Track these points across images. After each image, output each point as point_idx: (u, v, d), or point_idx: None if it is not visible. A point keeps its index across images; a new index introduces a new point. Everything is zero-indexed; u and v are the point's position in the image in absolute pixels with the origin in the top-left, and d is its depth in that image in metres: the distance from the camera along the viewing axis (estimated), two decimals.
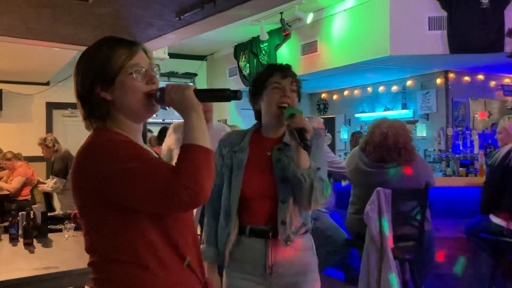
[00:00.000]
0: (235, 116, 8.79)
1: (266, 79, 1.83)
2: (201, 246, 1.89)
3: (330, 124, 8.36)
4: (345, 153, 7.59)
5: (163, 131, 5.02)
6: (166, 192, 1.11)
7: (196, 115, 1.21)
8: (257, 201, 1.79)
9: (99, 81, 1.24)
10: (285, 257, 1.77)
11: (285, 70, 1.84)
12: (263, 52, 7.51)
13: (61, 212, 3.62)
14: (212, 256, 1.91)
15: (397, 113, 7.59)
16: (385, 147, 3.16)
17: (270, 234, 1.76)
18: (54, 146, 5.32)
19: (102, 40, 1.29)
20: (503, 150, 3.37)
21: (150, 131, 6.79)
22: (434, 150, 6.12)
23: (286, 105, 1.77)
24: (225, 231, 1.84)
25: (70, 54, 6.22)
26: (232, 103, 8.81)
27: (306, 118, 1.69)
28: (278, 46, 7.27)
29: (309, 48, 6.83)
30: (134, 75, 1.24)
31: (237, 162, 1.83)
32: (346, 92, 8.58)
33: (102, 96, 1.24)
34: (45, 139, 5.34)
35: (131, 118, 1.28)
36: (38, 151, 5.58)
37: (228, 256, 1.83)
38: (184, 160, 1.14)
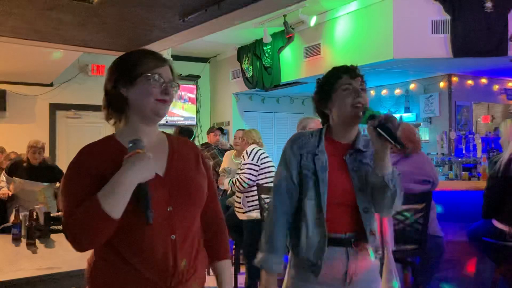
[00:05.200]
0: (238, 118, 8.78)
1: (335, 81, 1.76)
2: (261, 255, 1.78)
3: None
4: None
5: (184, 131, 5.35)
6: (63, 225, 1.30)
7: (128, 187, 1.27)
8: (337, 207, 1.72)
9: (122, 78, 1.39)
10: (364, 265, 1.74)
11: (353, 71, 1.76)
12: (266, 54, 7.52)
13: None
14: (277, 265, 1.77)
15: (400, 116, 7.59)
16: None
17: (352, 243, 1.71)
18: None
19: (136, 50, 1.47)
20: (504, 157, 3.35)
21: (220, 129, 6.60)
22: (437, 153, 6.11)
23: (360, 105, 1.70)
24: (315, 239, 1.72)
25: (74, 55, 6.25)
26: (235, 105, 8.82)
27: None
28: (281, 48, 7.28)
29: (312, 51, 6.83)
30: (152, 80, 1.37)
31: (319, 165, 1.74)
32: None
33: (121, 91, 1.39)
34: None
35: (141, 120, 1.40)
36: None
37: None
38: (85, 212, 1.25)
